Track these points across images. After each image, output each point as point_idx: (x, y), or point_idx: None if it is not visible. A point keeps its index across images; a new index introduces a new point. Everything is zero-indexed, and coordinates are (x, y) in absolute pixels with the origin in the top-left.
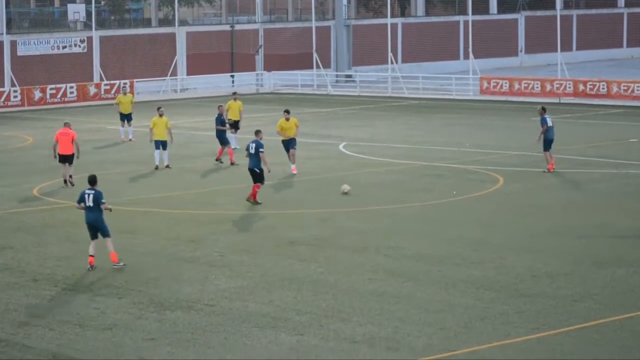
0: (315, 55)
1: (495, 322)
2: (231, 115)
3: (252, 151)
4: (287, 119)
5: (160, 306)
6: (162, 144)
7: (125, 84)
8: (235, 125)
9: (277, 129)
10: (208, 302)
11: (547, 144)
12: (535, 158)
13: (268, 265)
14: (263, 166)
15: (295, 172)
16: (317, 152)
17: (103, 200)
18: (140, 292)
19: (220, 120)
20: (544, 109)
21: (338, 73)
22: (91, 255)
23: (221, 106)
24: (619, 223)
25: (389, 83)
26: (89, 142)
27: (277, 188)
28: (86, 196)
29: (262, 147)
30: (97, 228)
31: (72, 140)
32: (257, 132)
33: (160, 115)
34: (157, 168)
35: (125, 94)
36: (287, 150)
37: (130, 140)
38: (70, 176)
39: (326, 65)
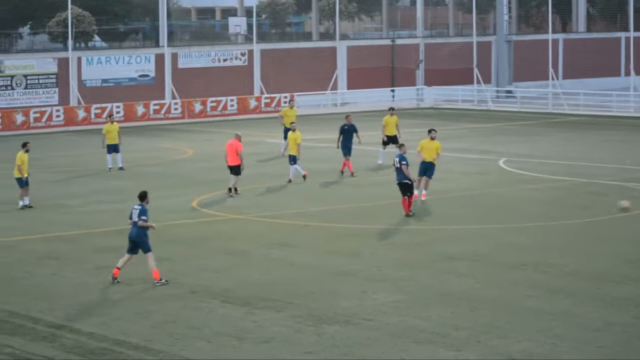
0: (476, 70)
1: None
2: (388, 131)
3: (397, 165)
4: (433, 138)
5: (318, 320)
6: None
7: (286, 97)
8: (393, 140)
9: (417, 149)
10: (366, 317)
11: None
12: None
13: (426, 280)
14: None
15: (424, 198)
16: (476, 168)
17: (144, 217)
18: (298, 305)
19: (343, 130)
20: None
21: (498, 88)
22: (117, 268)
23: (349, 116)
24: None
25: (550, 99)
26: (250, 155)
27: (436, 203)
28: (133, 211)
29: (405, 160)
30: (137, 243)
31: (237, 152)
32: (401, 146)
33: (293, 130)
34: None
35: (291, 107)
36: (422, 174)
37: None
38: (236, 189)
39: (486, 80)
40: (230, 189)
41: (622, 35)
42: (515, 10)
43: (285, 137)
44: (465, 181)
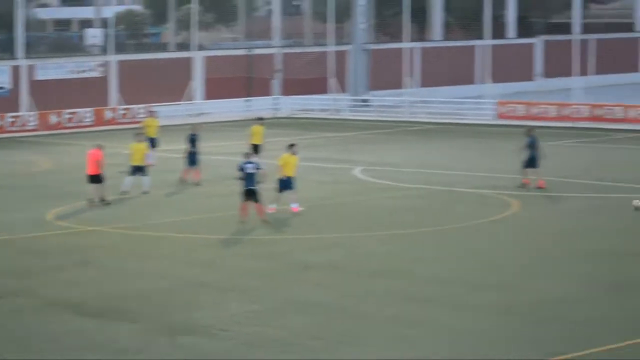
0: (332, 79)
1: (509, 346)
2: (255, 140)
3: (251, 171)
4: (294, 153)
5: (173, 331)
6: (139, 170)
7: (144, 108)
8: (257, 150)
9: (278, 163)
10: (221, 327)
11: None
12: (553, 183)
13: (282, 289)
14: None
15: (297, 211)
16: (332, 177)
17: None
18: (152, 316)
19: (189, 139)
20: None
21: (355, 97)
22: None
23: (196, 125)
24: (637, 247)
25: (406, 107)
26: (108, 167)
27: (292, 213)
28: None
29: (259, 165)
30: None
31: (96, 161)
32: (247, 154)
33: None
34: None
35: (152, 118)
36: (283, 190)
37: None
38: (103, 199)
39: (343, 89)
40: (92, 200)
41: (477, 43)
42: (372, 19)
43: (153, 146)
44: (321, 190)
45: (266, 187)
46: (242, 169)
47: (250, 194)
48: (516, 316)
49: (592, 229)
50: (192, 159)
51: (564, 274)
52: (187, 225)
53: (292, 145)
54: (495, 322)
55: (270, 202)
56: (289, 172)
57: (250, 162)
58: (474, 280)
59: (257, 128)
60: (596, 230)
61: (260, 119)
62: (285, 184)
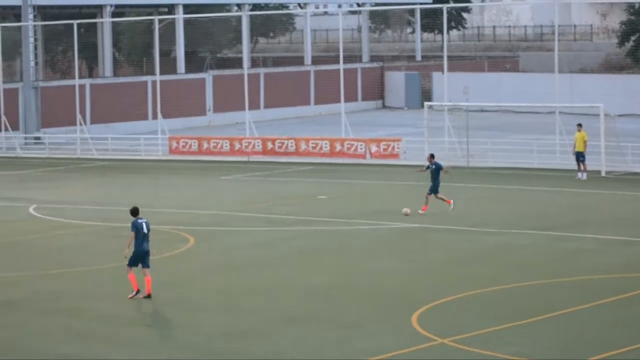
0: (3, 117)
1: None
2: None
3: None
4: None
5: None
6: None
7: None
8: None
9: None
10: None
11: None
12: (226, 217)
13: None
14: None
15: None
16: (6, 215)
17: None
18: None
19: None
20: (432, 156)
21: (27, 135)
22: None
23: None
24: (309, 280)
25: (78, 144)
26: None
27: None
28: None
29: None
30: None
31: None
32: None
33: None
34: None
35: None
36: None
37: None
38: None
39: (15, 127)
40: None
41: (148, 79)
42: (42, 56)
43: None
44: None
45: None
46: None
47: None
48: (192, 352)
49: (264, 261)
50: None
51: (241, 308)
52: None
53: None
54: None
55: None
56: None
57: None
58: (148, 316)
59: None
60: (266, 263)
61: None
62: None
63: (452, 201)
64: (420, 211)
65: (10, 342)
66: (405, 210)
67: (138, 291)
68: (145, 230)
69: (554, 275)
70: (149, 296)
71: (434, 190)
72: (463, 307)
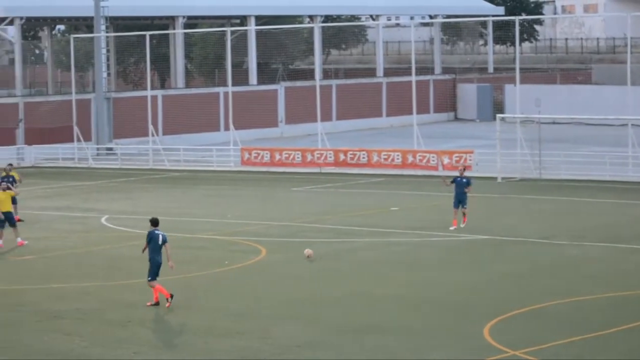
0: (76, 128)
1: None
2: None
3: None
4: (4, 190)
5: None
6: None
7: None
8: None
9: None
10: None
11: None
12: (297, 229)
13: (29, 340)
14: None
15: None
16: (79, 226)
17: None
18: None
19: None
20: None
21: (99, 146)
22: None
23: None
24: (380, 291)
25: (150, 155)
26: None
27: (39, 263)
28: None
29: None
30: None
31: None
32: None
33: None
34: None
35: None
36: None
37: None
38: None
39: (87, 138)
40: None
41: (220, 90)
42: (114, 67)
43: None
44: (69, 239)
45: None
46: None
47: None
48: None
49: (336, 272)
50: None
51: (311, 319)
52: None
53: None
54: None
55: None
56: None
57: None
58: (223, 327)
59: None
60: (338, 273)
61: (10, 164)
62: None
63: (458, 225)
64: (459, 225)
65: (82, 352)
66: (308, 251)
67: (157, 303)
68: (160, 242)
69: (626, 287)
70: (157, 303)
71: (462, 203)
72: (535, 319)
